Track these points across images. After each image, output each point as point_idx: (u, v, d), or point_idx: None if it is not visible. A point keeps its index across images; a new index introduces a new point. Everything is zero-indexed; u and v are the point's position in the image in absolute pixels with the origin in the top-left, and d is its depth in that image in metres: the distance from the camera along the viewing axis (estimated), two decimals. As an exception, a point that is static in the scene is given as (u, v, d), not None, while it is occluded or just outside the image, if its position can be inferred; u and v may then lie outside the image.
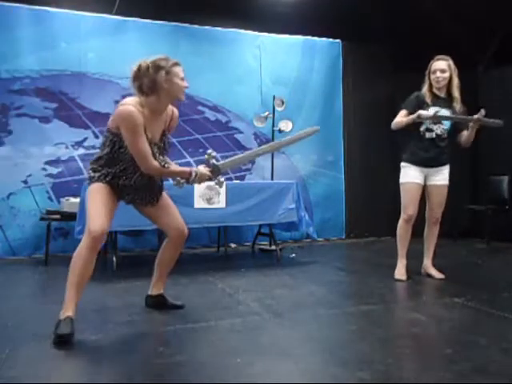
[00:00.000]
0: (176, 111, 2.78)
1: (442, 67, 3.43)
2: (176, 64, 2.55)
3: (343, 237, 6.01)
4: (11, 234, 4.67)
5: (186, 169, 2.61)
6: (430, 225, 3.63)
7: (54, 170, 4.85)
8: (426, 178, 3.55)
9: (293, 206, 4.49)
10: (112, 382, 1.84)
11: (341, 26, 5.71)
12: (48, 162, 4.84)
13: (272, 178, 5.21)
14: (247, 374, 1.91)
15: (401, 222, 3.58)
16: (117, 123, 2.45)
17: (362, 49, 6.04)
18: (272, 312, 2.77)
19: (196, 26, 5.45)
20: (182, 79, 2.57)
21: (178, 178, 2.61)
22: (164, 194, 2.76)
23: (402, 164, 3.58)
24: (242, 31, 5.65)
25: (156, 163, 2.49)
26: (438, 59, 3.47)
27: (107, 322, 2.55)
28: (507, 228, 5.33)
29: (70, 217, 4.32)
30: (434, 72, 3.45)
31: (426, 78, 3.51)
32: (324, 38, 5.99)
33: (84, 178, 4.79)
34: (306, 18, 5.55)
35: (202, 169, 2.62)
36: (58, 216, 4.44)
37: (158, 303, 2.78)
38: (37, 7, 4.84)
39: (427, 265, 3.68)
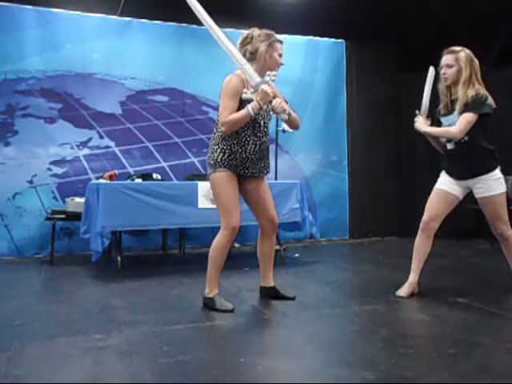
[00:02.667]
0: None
1: (447, 62, 2.97)
2: (279, 41, 2.77)
3: (347, 237, 6.01)
4: (17, 233, 4.70)
5: (244, 111, 2.65)
6: (500, 241, 3.11)
7: (59, 170, 4.88)
8: (472, 189, 3.06)
9: (297, 205, 4.50)
10: (116, 381, 1.85)
11: (344, 25, 5.70)
12: (53, 162, 4.87)
13: (276, 178, 5.21)
14: (251, 373, 1.92)
15: (418, 231, 3.16)
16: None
17: (365, 49, 6.03)
18: (276, 312, 2.78)
19: (200, 27, 5.46)
20: (280, 56, 2.77)
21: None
22: (266, 180, 2.95)
23: (442, 172, 3.15)
24: (246, 31, 5.65)
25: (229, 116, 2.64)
26: (447, 52, 3.01)
27: (112, 322, 2.56)
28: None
29: (75, 217, 4.35)
30: (441, 68, 3.01)
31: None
32: (327, 38, 5.99)
33: (89, 178, 4.84)
34: (309, 18, 5.55)
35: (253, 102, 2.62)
36: (63, 216, 4.47)
37: (271, 295, 3.00)
38: (42, 8, 4.87)
39: None
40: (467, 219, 5.99)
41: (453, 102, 3.01)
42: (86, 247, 4.08)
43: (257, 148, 2.80)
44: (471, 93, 2.89)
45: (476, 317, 2.70)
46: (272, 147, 5.43)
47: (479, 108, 2.90)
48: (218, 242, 2.75)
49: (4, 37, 4.72)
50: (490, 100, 2.96)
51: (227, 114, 2.65)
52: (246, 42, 2.78)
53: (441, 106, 3.09)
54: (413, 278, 3.08)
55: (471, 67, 2.93)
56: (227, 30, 5.58)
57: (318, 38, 5.94)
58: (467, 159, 2.98)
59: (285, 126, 5.13)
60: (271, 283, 3.02)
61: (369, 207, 5.98)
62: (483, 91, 2.94)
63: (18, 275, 3.96)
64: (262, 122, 2.82)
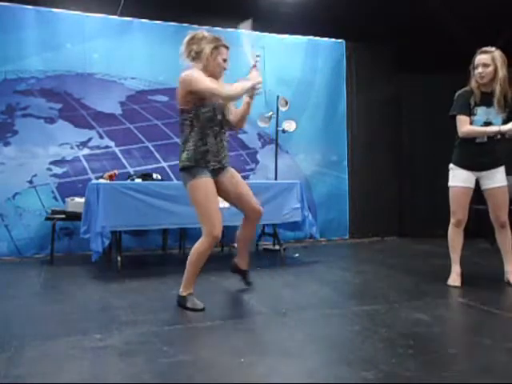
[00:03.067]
0: None
1: (484, 61, 3.16)
2: (225, 46, 2.88)
3: (347, 237, 6.01)
4: (17, 233, 4.70)
5: (239, 83, 2.90)
6: (499, 229, 3.39)
7: (58, 170, 4.88)
8: (479, 182, 3.35)
9: (297, 205, 4.50)
10: (116, 381, 1.85)
11: (344, 26, 5.71)
12: (53, 162, 4.87)
13: (276, 178, 5.22)
14: (251, 373, 1.92)
15: (450, 226, 3.40)
16: (185, 89, 2.73)
17: (365, 49, 6.04)
18: (276, 312, 2.78)
19: (200, 27, 5.46)
20: (225, 60, 2.88)
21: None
22: (234, 171, 3.02)
23: (451, 166, 3.38)
24: (246, 31, 5.65)
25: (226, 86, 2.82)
26: (481, 52, 3.21)
27: (111, 322, 2.56)
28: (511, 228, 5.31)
29: (75, 217, 4.35)
30: (477, 67, 3.18)
31: (472, 73, 3.25)
32: (328, 39, 5.99)
33: (89, 178, 4.84)
34: (309, 18, 5.55)
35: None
36: (63, 216, 4.47)
37: (241, 274, 3.25)
38: (42, 8, 4.87)
39: (509, 271, 3.38)
40: (468, 219, 6.00)
41: (487, 94, 3.22)
42: (86, 247, 4.08)
43: (216, 140, 2.86)
44: None
45: (476, 317, 2.71)
46: (272, 147, 5.47)
47: None
48: (200, 248, 2.78)
49: (4, 37, 4.72)
50: None
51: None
52: (192, 41, 2.83)
53: (473, 98, 3.25)
54: (457, 267, 3.40)
55: (506, 66, 3.18)
56: (228, 29, 5.59)
57: (318, 38, 5.94)
58: (495, 150, 3.29)
59: (285, 126, 5.15)
60: (245, 267, 3.24)
61: (369, 207, 5.98)
62: None
63: (17, 275, 3.96)
64: (218, 116, 2.88)
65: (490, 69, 3.15)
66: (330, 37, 5.99)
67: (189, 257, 2.84)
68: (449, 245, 3.44)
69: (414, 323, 2.52)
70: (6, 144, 4.73)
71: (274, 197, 4.41)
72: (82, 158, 4.97)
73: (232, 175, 2.98)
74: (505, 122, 3.22)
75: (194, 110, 2.78)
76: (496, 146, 3.29)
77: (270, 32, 5.73)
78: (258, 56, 2.85)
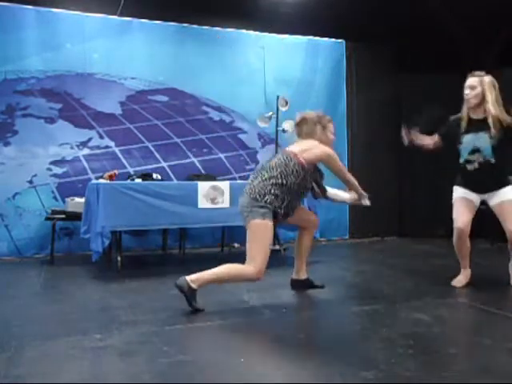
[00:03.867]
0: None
1: (470, 83, 3.12)
2: (330, 121, 3.17)
3: (347, 237, 6.01)
4: (17, 233, 4.70)
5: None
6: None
7: (58, 170, 4.88)
8: (487, 203, 3.29)
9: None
10: (116, 381, 1.85)
11: (344, 26, 5.71)
12: (53, 162, 4.87)
13: (276, 178, 5.21)
14: (251, 373, 1.92)
15: (454, 235, 3.32)
16: (320, 159, 3.06)
17: (365, 49, 6.04)
18: (276, 312, 2.78)
19: (200, 27, 5.47)
20: (332, 133, 3.18)
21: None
22: None
23: (454, 187, 3.35)
24: (246, 31, 5.67)
25: None
26: (471, 75, 3.16)
27: (112, 322, 2.56)
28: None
29: (74, 216, 4.35)
30: (465, 89, 3.13)
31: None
32: (328, 38, 5.99)
33: (89, 178, 4.84)
34: (309, 18, 5.55)
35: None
36: (63, 216, 4.47)
37: (304, 286, 3.26)
38: (42, 8, 4.87)
39: None
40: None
41: (478, 121, 3.14)
42: (86, 247, 4.09)
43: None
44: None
45: (476, 317, 2.71)
46: (272, 147, 5.47)
47: None
48: (236, 267, 2.78)
49: (4, 37, 4.72)
50: None
51: None
52: (302, 122, 3.12)
53: (462, 124, 3.20)
54: (467, 271, 3.39)
55: (495, 90, 3.11)
56: (228, 29, 5.60)
57: (318, 38, 5.94)
58: (492, 174, 3.19)
59: (285, 126, 5.15)
60: (305, 275, 3.28)
61: (369, 207, 5.97)
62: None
63: (17, 275, 3.96)
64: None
65: (477, 91, 3.09)
66: (330, 37, 5.99)
67: (223, 269, 2.78)
68: (456, 252, 3.38)
69: (414, 323, 2.52)
70: (6, 144, 4.73)
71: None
72: (81, 158, 4.97)
73: None
74: (495, 147, 3.11)
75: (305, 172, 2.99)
76: (491, 169, 3.14)
77: (269, 32, 5.73)
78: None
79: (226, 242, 5.05)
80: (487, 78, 3.12)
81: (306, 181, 3.00)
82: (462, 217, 3.24)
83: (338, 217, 5.94)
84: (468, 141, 3.17)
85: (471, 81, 3.13)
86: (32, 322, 2.59)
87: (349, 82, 6.05)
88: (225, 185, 4.15)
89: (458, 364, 1.96)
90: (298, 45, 5.85)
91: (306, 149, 2.99)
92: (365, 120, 6.04)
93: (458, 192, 3.31)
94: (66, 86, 4.95)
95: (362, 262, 4.63)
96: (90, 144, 5.00)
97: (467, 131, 3.17)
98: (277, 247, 4.91)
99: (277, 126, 5.18)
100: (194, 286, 2.69)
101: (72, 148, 4.95)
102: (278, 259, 4.62)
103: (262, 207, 2.81)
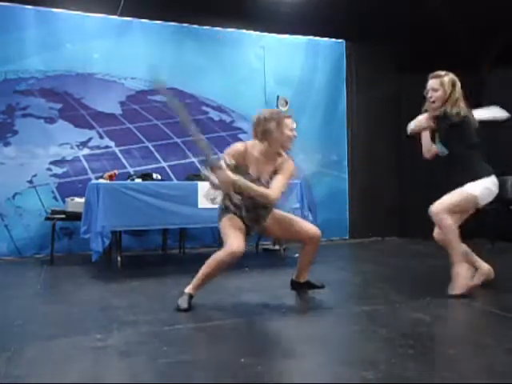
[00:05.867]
0: (289, 163, 2.98)
1: (432, 86, 3.11)
2: (286, 117, 2.94)
3: (347, 237, 6.01)
4: (16, 233, 4.70)
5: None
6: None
7: (58, 170, 4.88)
8: None
9: (297, 205, 4.50)
10: (116, 381, 1.85)
11: (344, 25, 5.71)
12: (53, 162, 4.87)
13: (276, 178, 5.21)
14: (251, 373, 1.92)
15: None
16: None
17: (365, 49, 6.04)
18: (276, 312, 2.78)
19: (200, 27, 5.47)
20: (291, 130, 2.94)
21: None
22: (275, 211, 3.02)
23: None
24: (246, 31, 5.67)
25: None
26: (431, 77, 3.16)
27: (112, 322, 2.56)
28: (511, 228, 5.32)
29: (74, 216, 4.35)
30: (427, 92, 3.14)
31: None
32: (327, 38, 6.00)
33: (89, 178, 4.84)
34: (309, 18, 5.55)
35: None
36: (62, 216, 4.47)
37: (303, 287, 3.18)
38: (42, 8, 4.87)
39: None
40: (467, 219, 6.00)
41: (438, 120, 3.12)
42: (86, 247, 4.08)
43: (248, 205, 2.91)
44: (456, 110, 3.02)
45: (476, 317, 2.71)
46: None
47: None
48: (217, 255, 2.80)
49: (4, 37, 4.72)
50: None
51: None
52: (257, 123, 2.91)
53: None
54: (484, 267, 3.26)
55: (454, 90, 3.06)
56: (228, 29, 5.60)
57: (318, 38, 5.94)
58: (457, 167, 3.18)
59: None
60: (305, 279, 3.19)
61: (369, 207, 5.98)
62: (464, 110, 3.04)
63: (18, 275, 3.96)
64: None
65: (439, 93, 3.07)
66: (330, 37, 5.99)
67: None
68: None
69: (414, 323, 2.52)
70: (6, 144, 4.73)
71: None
72: (81, 158, 4.97)
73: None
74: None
75: None
76: (456, 162, 3.14)
77: (269, 32, 5.73)
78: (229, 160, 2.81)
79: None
80: (447, 78, 3.10)
81: None
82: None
83: (338, 217, 5.94)
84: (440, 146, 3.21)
85: (432, 83, 3.12)
86: (32, 322, 2.59)
87: (349, 82, 6.05)
88: (225, 185, 4.15)
89: (457, 364, 1.96)
90: (298, 45, 5.86)
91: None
92: (365, 120, 6.04)
93: None
94: (66, 86, 4.95)
95: (362, 262, 4.63)
96: (90, 144, 5.01)
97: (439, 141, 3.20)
98: (277, 247, 4.91)
99: (277, 125, 5.18)
100: (193, 293, 2.80)
101: (72, 148, 4.95)
102: (277, 259, 4.62)
103: (220, 209, 3.00)
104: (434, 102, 3.11)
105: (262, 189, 2.80)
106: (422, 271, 3.72)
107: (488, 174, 3.11)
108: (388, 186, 6.06)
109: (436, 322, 2.56)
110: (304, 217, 4.53)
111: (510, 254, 4.79)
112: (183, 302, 2.75)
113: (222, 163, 2.73)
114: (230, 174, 2.71)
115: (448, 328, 2.48)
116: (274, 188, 2.81)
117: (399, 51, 5.95)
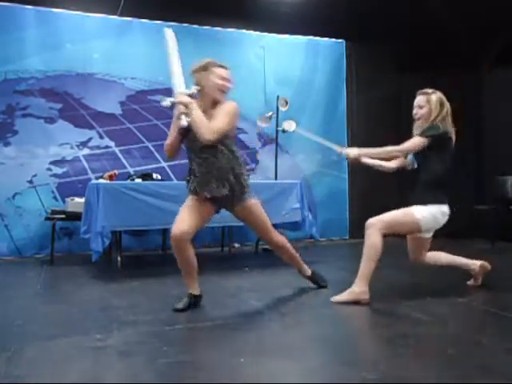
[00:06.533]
0: (226, 103, 2.83)
1: (419, 103, 3.12)
2: (218, 65, 2.77)
3: (346, 237, 6.01)
4: (16, 233, 4.70)
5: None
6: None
7: (58, 170, 4.88)
8: None
9: (297, 205, 4.50)
10: (116, 381, 1.85)
11: (344, 25, 5.71)
12: (53, 162, 4.87)
13: (276, 178, 5.21)
14: (251, 373, 1.92)
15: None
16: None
17: (365, 49, 6.04)
18: (276, 312, 2.78)
19: (200, 27, 5.47)
20: (222, 79, 2.74)
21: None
22: (257, 205, 2.93)
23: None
24: (246, 31, 5.67)
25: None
26: (419, 93, 3.15)
27: (112, 322, 2.56)
28: (511, 228, 5.32)
29: (74, 216, 4.35)
30: (414, 108, 3.16)
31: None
32: (327, 38, 6.00)
33: (89, 178, 4.84)
34: (309, 18, 5.55)
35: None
36: (62, 216, 4.47)
37: (311, 280, 3.32)
38: (42, 8, 4.88)
39: None
40: (467, 219, 6.01)
41: None
42: (86, 247, 4.08)
43: (202, 169, 2.89)
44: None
45: (476, 317, 2.71)
46: (272, 147, 5.47)
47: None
48: None
49: (4, 37, 4.72)
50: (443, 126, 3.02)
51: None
52: (193, 74, 2.87)
53: None
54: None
55: (442, 110, 3.03)
56: (228, 29, 5.60)
57: (318, 38, 5.94)
58: (418, 184, 3.28)
59: (285, 126, 5.15)
60: (309, 272, 3.32)
61: (369, 207, 5.97)
62: (443, 125, 3.01)
63: (18, 275, 3.96)
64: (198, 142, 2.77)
65: (424, 110, 3.07)
66: (330, 37, 5.99)
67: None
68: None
69: (414, 323, 2.52)
70: (6, 144, 4.73)
71: (273, 197, 4.41)
72: (82, 158, 4.97)
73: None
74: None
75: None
76: (420, 177, 3.17)
77: (269, 32, 5.73)
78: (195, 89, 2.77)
79: (226, 242, 5.05)
80: (434, 96, 3.07)
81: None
82: None
83: (337, 217, 5.95)
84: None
85: (419, 100, 3.11)
86: (32, 322, 2.59)
87: (349, 82, 6.05)
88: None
89: (457, 364, 1.96)
90: (298, 45, 5.86)
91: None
92: (365, 120, 6.04)
93: None
94: (66, 86, 4.95)
95: (362, 261, 4.61)
96: (90, 144, 5.01)
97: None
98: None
99: (277, 125, 5.18)
100: (194, 292, 2.83)
101: (72, 148, 4.95)
102: (277, 259, 4.61)
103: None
104: (418, 118, 3.12)
105: (205, 121, 2.66)
106: (421, 271, 3.72)
107: (440, 202, 3.06)
108: (388, 186, 6.05)
109: (436, 321, 2.56)
110: (304, 217, 4.54)
111: (510, 254, 4.78)
112: (179, 302, 2.79)
113: (186, 90, 2.75)
114: (187, 97, 2.71)
115: (448, 328, 2.48)
116: (211, 124, 2.66)
117: (399, 51, 5.95)
